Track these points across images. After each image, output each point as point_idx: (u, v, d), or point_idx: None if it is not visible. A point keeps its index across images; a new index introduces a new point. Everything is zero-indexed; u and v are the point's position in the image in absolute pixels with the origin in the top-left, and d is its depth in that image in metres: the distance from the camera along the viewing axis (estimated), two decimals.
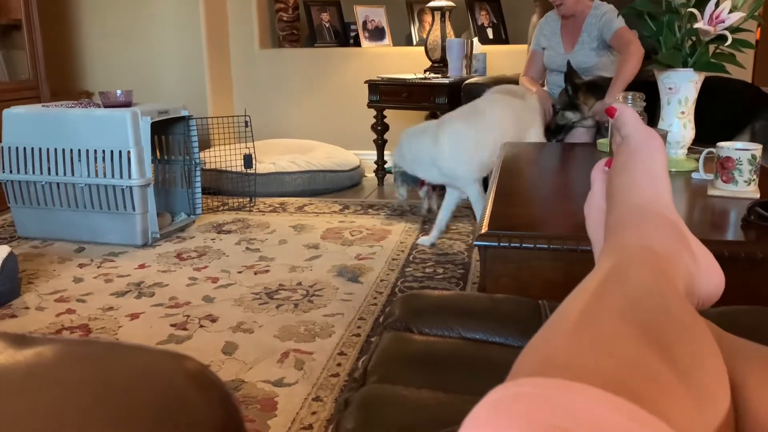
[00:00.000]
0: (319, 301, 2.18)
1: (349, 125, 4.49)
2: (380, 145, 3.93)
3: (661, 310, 0.40)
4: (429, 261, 2.57)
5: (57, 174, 2.77)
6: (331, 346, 1.86)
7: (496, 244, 1.19)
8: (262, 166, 3.65)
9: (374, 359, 0.79)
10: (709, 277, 0.57)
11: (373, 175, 4.08)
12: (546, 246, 1.17)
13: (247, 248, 2.76)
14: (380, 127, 3.88)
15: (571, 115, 2.74)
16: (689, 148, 1.85)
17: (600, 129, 2.73)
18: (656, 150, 0.59)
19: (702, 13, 1.60)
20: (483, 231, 1.22)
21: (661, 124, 1.78)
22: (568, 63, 2.79)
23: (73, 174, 2.75)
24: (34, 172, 2.80)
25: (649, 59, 2.52)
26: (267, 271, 2.48)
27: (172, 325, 2.01)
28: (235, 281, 2.38)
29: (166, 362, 0.54)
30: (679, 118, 1.76)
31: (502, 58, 4.15)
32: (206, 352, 1.83)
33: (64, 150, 2.75)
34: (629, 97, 1.89)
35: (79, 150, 2.73)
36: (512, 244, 1.18)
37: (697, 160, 1.77)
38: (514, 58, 4.11)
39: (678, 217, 0.57)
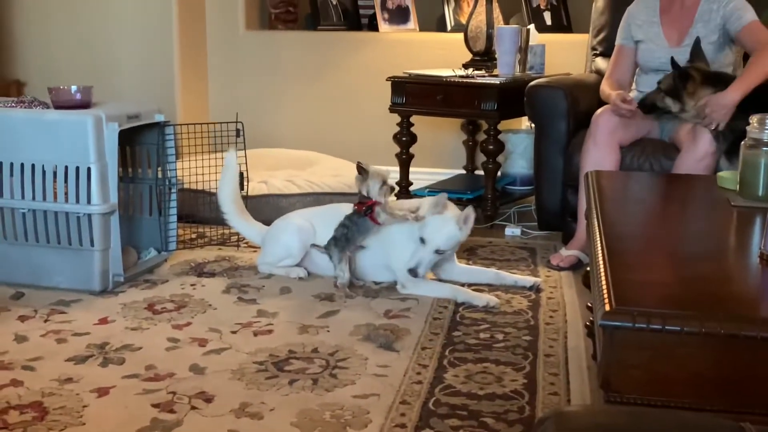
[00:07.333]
0: (345, 377, 2.17)
1: (361, 133, 4.49)
2: (405, 160, 3.94)
3: None
4: (482, 322, 2.57)
5: None
6: None
7: (631, 324, 1.18)
8: (249, 186, 3.64)
9: None
10: None
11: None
12: (698, 330, 1.16)
13: (239, 298, 2.76)
14: (405, 138, 3.89)
15: (669, 103, 2.87)
16: None
17: (730, 153, 2.73)
18: None
19: None
20: (608, 307, 1.22)
21: None
22: (697, 42, 2.87)
23: (12, 196, 2.74)
24: None
25: None
26: (270, 331, 2.48)
27: (154, 406, 2.00)
28: (230, 345, 2.37)
29: None
30: None
31: (563, 50, 4.18)
32: None
33: (1, 163, 2.74)
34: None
35: (22, 164, 2.73)
36: (651, 326, 1.18)
37: None
38: (578, 51, 4.14)
39: None
